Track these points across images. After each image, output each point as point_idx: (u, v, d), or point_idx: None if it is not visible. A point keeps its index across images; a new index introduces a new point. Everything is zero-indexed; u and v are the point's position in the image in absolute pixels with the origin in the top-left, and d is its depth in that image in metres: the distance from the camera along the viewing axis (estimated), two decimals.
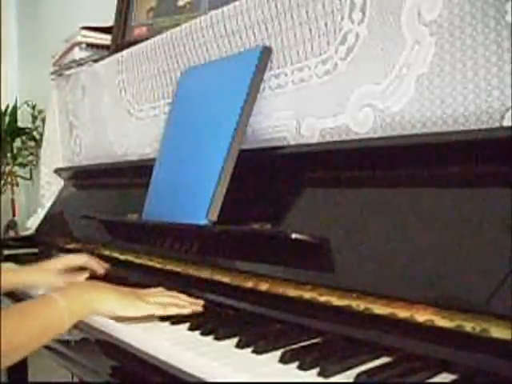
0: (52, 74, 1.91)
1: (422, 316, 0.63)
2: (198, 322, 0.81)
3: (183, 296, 0.92)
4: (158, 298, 0.89)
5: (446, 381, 0.58)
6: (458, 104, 0.73)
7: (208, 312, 0.89)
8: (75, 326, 0.94)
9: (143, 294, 0.90)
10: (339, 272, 0.75)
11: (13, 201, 3.34)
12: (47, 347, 1.10)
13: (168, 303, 0.87)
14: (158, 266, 1.11)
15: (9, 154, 3.24)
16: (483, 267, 0.60)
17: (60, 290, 0.84)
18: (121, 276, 1.13)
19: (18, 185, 3.33)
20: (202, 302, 0.90)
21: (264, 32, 1.02)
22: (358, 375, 0.59)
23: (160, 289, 0.95)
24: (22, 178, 3.30)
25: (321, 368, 0.61)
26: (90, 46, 1.70)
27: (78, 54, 1.70)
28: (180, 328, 0.82)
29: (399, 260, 0.69)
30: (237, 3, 1.06)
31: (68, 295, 0.82)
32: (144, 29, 1.52)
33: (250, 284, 0.87)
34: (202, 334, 0.77)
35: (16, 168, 3.29)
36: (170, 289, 0.97)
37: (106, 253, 1.31)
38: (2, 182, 3.26)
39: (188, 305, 0.88)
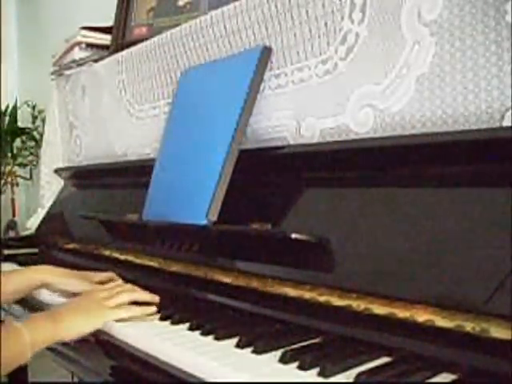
0: (52, 73, 1.91)
1: (421, 316, 0.63)
2: (198, 322, 0.81)
3: (140, 292, 0.94)
4: (118, 301, 0.90)
5: (446, 381, 0.58)
6: (458, 104, 0.73)
7: (208, 312, 0.89)
8: None
9: (102, 299, 0.91)
10: (339, 272, 0.75)
11: (13, 201, 3.34)
12: (47, 347, 1.10)
13: (129, 301, 0.91)
14: (158, 265, 1.11)
15: (9, 154, 3.24)
16: (483, 267, 0.60)
17: (25, 322, 0.84)
18: (121, 276, 1.12)
19: (17, 185, 3.33)
20: (157, 296, 0.93)
21: (264, 32, 1.02)
22: (358, 375, 0.59)
23: (109, 274, 1.02)
24: (22, 178, 3.31)
25: (321, 368, 0.61)
26: (89, 46, 1.70)
27: (78, 53, 1.70)
28: (180, 328, 0.82)
29: (399, 260, 0.69)
30: (237, 3, 1.06)
31: (33, 326, 0.82)
32: (144, 29, 1.52)
33: (249, 284, 0.87)
34: (202, 334, 0.78)
35: (16, 168, 3.29)
36: (170, 289, 0.97)
37: (106, 253, 1.31)
38: (2, 181, 3.26)
39: (148, 298, 0.93)
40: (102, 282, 1.09)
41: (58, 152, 1.95)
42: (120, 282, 1.05)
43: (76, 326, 0.86)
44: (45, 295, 1.11)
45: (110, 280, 1.10)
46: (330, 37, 0.91)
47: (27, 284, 1.07)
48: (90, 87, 1.70)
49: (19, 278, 1.07)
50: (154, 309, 0.90)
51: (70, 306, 0.92)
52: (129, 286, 0.97)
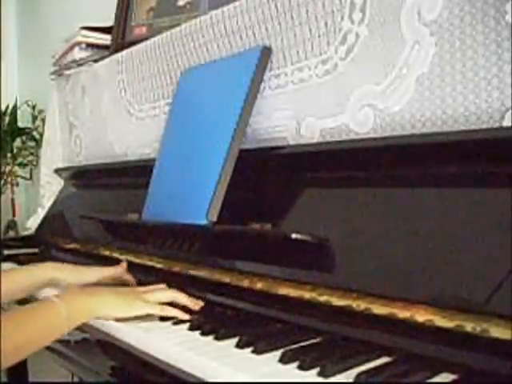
0: (52, 73, 1.91)
1: (422, 316, 0.63)
2: (198, 322, 0.81)
3: (182, 294, 0.91)
4: (156, 296, 0.89)
5: (446, 381, 0.58)
6: (458, 104, 0.73)
7: (208, 312, 0.89)
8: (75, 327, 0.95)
9: (142, 292, 0.90)
10: (339, 272, 0.75)
11: (13, 201, 3.34)
12: (47, 347, 1.10)
13: (167, 299, 0.88)
14: (158, 265, 1.11)
15: (9, 154, 3.23)
16: (483, 267, 0.60)
17: (60, 295, 0.85)
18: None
19: (17, 185, 3.33)
20: (201, 303, 0.90)
21: (264, 32, 1.02)
22: (358, 375, 0.59)
23: (161, 285, 0.95)
24: (22, 178, 3.30)
25: (321, 368, 0.61)
26: (90, 45, 1.70)
27: (78, 53, 1.70)
28: (180, 328, 0.82)
29: (399, 260, 0.69)
30: (237, 3, 1.06)
31: (68, 300, 0.83)
32: (144, 29, 1.52)
33: (249, 284, 0.87)
34: (202, 334, 0.77)
35: (16, 168, 3.29)
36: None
37: (106, 253, 1.31)
38: (2, 181, 3.26)
39: (188, 302, 0.89)
40: (112, 278, 1.09)
41: (57, 152, 1.96)
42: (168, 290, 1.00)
43: (107, 306, 0.86)
44: (47, 294, 1.11)
45: (120, 276, 1.10)
46: (330, 37, 0.91)
47: (32, 282, 1.06)
48: (89, 87, 1.70)
49: (23, 276, 1.07)
50: (187, 316, 0.85)
51: (109, 288, 0.92)
52: (171, 290, 0.93)
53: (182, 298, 0.90)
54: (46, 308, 0.81)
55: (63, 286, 1.07)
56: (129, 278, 1.10)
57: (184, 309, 0.87)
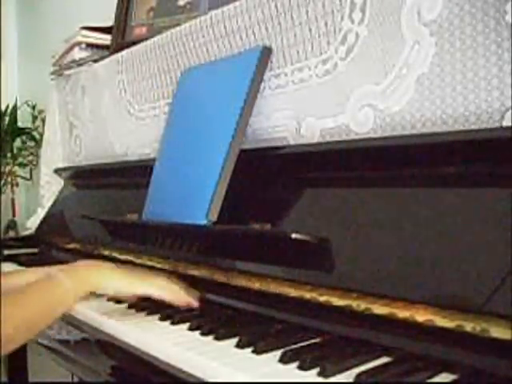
0: (52, 73, 1.91)
1: (422, 316, 0.63)
2: (198, 322, 0.81)
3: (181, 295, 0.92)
4: (158, 280, 0.91)
5: (446, 381, 0.58)
6: (458, 104, 0.73)
7: (208, 312, 0.89)
8: (75, 326, 0.95)
9: (145, 275, 0.92)
10: (339, 272, 0.75)
11: (13, 201, 3.33)
12: (47, 347, 1.10)
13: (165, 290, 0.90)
14: (158, 266, 1.10)
15: (9, 154, 3.23)
16: (483, 267, 0.60)
17: (61, 268, 0.86)
18: None
19: (17, 185, 3.33)
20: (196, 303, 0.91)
21: (264, 32, 1.02)
22: (358, 375, 0.59)
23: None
24: (22, 178, 3.30)
25: (321, 368, 0.61)
26: (89, 45, 1.70)
27: (78, 53, 1.70)
28: (180, 328, 0.82)
29: (399, 260, 0.69)
30: (237, 3, 1.06)
31: (72, 274, 0.84)
32: (144, 29, 1.52)
33: (249, 284, 0.87)
34: (202, 334, 0.78)
35: (16, 168, 3.29)
36: None
37: (106, 253, 1.31)
38: (2, 181, 3.25)
39: (186, 296, 0.90)
40: None
41: (58, 152, 1.95)
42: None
43: (111, 280, 0.87)
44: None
45: None
46: (330, 37, 0.91)
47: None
48: (89, 87, 1.70)
49: (32, 277, 1.06)
50: (182, 303, 0.88)
51: (109, 263, 0.93)
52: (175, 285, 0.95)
53: (175, 296, 0.90)
54: (51, 283, 0.81)
55: None
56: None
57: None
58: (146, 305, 0.93)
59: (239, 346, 0.71)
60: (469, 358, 0.58)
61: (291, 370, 0.63)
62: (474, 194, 0.66)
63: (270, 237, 0.86)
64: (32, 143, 3.25)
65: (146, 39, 1.38)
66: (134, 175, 1.38)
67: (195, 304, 0.89)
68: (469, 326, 0.58)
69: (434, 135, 0.74)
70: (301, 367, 0.63)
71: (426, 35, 0.76)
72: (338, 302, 0.73)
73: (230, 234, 0.93)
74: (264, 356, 0.68)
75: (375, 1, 0.83)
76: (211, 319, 0.84)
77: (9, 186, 3.30)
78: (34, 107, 3.21)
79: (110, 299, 1.00)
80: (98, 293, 0.89)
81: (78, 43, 1.69)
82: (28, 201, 3.41)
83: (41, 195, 1.98)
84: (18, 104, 3.34)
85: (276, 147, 0.97)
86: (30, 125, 3.25)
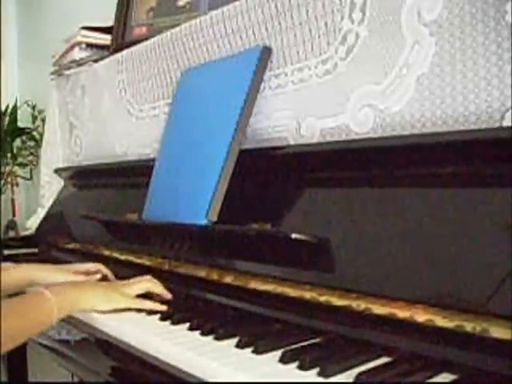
0: (52, 74, 1.91)
1: (421, 316, 0.63)
2: (198, 322, 0.81)
3: (157, 284, 0.97)
4: (134, 289, 0.95)
5: (446, 381, 0.58)
6: (458, 104, 0.73)
7: (208, 312, 0.89)
8: (75, 326, 0.95)
9: (121, 286, 0.96)
10: (339, 272, 0.75)
11: (13, 201, 3.33)
12: (47, 347, 1.10)
13: (142, 290, 0.95)
14: (158, 265, 1.10)
15: (9, 154, 3.23)
16: (483, 267, 0.60)
17: (48, 287, 0.88)
18: (121, 276, 1.12)
19: (17, 185, 3.33)
20: (169, 295, 0.97)
21: (264, 32, 1.02)
22: (358, 375, 0.59)
23: (147, 277, 1.00)
24: (22, 178, 3.30)
25: (321, 368, 0.61)
26: (89, 45, 1.70)
27: (78, 53, 1.70)
28: (180, 328, 0.82)
29: (399, 260, 0.69)
30: (237, 3, 1.06)
31: (57, 292, 0.86)
32: (144, 29, 1.51)
33: (249, 284, 0.87)
34: (202, 334, 0.78)
35: (16, 168, 3.28)
36: (170, 289, 0.97)
37: (106, 253, 1.31)
38: (2, 181, 3.25)
39: (162, 292, 0.96)
40: (88, 273, 1.12)
41: (57, 152, 1.95)
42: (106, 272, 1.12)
43: (91, 299, 0.90)
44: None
45: (98, 271, 1.14)
46: (330, 37, 0.91)
47: (16, 284, 1.08)
48: (89, 87, 1.70)
49: (5, 278, 1.07)
50: (164, 308, 0.91)
51: (89, 282, 0.99)
52: (147, 276, 1.00)
53: (155, 288, 0.96)
54: (36, 299, 0.84)
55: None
56: (107, 272, 1.14)
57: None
58: None
59: (239, 346, 0.71)
60: (469, 358, 0.58)
61: (291, 370, 0.63)
62: (474, 193, 0.66)
63: (270, 237, 0.86)
64: (32, 143, 3.25)
65: (146, 39, 1.38)
66: (134, 175, 1.38)
67: (168, 297, 0.96)
68: (469, 326, 0.58)
69: (434, 135, 0.74)
70: (301, 367, 0.63)
71: (426, 35, 0.76)
72: (337, 302, 0.73)
73: (229, 233, 0.93)
74: (264, 356, 0.68)
75: (375, 1, 0.83)
76: (211, 319, 0.84)
77: (9, 186, 3.30)
78: (34, 107, 3.21)
79: None
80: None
81: (78, 43, 1.69)
82: (28, 201, 3.41)
83: (41, 195, 1.98)
84: (18, 104, 3.34)
85: (276, 147, 0.97)
86: (30, 125, 3.25)
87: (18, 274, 1.09)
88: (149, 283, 0.96)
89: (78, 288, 0.92)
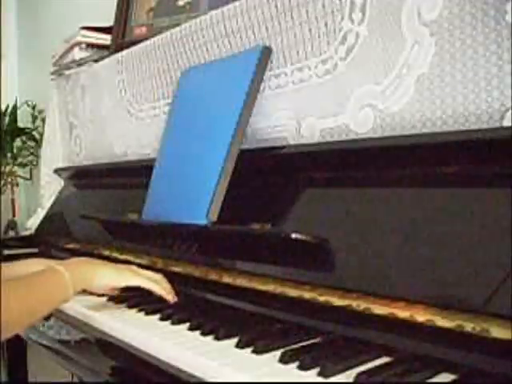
0: (52, 74, 1.91)
1: (422, 316, 0.63)
2: (198, 322, 0.81)
3: (168, 286, 0.97)
4: (148, 273, 0.97)
5: (446, 381, 0.58)
6: (458, 104, 0.73)
7: (208, 312, 0.89)
8: (75, 326, 0.95)
9: (132, 267, 0.98)
10: (339, 272, 0.75)
11: (13, 201, 3.33)
12: (47, 347, 1.10)
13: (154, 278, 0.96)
14: (158, 266, 1.11)
15: (9, 154, 3.23)
16: (483, 267, 0.60)
17: (62, 263, 0.90)
18: None
19: (17, 185, 3.33)
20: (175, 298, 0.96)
21: (264, 32, 1.02)
22: (358, 375, 0.59)
23: (158, 276, 0.99)
24: (22, 178, 3.30)
25: (321, 368, 0.61)
26: (90, 45, 1.70)
27: (78, 54, 1.70)
28: (180, 328, 0.82)
29: (399, 260, 0.69)
30: (237, 3, 1.06)
31: (70, 268, 0.88)
32: (144, 29, 1.52)
33: (249, 284, 0.87)
34: (202, 333, 0.78)
35: (16, 168, 3.28)
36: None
37: (106, 253, 1.31)
38: (2, 182, 3.25)
39: (167, 296, 0.95)
40: None
41: (58, 152, 1.95)
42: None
43: (105, 275, 0.93)
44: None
45: None
46: (330, 37, 0.91)
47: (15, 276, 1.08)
48: (89, 87, 1.70)
49: (6, 271, 1.07)
50: (171, 298, 0.93)
51: (101, 260, 1.01)
52: (159, 275, 1.00)
53: (157, 289, 0.95)
54: (52, 275, 0.85)
55: None
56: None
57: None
58: (144, 302, 0.94)
59: (239, 346, 0.71)
60: (469, 358, 0.58)
61: (291, 370, 0.63)
62: (474, 193, 0.66)
63: (270, 237, 0.86)
64: (32, 143, 3.25)
65: (146, 39, 1.38)
66: (134, 175, 1.38)
67: (175, 299, 0.95)
68: (469, 326, 0.58)
69: (434, 135, 0.74)
70: (301, 367, 0.63)
71: (426, 35, 0.76)
72: (337, 302, 0.73)
73: (230, 233, 0.93)
74: (264, 356, 0.68)
75: (375, 1, 0.83)
76: (211, 319, 0.84)
77: (9, 186, 3.30)
78: (34, 107, 3.21)
79: (109, 299, 1.00)
80: (91, 290, 0.95)
81: (78, 43, 1.69)
82: (28, 201, 3.41)
83: (41, 195, 1.98)
84: (18, 104, 3.34)
85: (276, 147, 0.97)
86: (30, 125, 3.25)
87: (24, 267, 1.09)
88: (150, 283, 0.95)
89: (91, 264, 0.94)
